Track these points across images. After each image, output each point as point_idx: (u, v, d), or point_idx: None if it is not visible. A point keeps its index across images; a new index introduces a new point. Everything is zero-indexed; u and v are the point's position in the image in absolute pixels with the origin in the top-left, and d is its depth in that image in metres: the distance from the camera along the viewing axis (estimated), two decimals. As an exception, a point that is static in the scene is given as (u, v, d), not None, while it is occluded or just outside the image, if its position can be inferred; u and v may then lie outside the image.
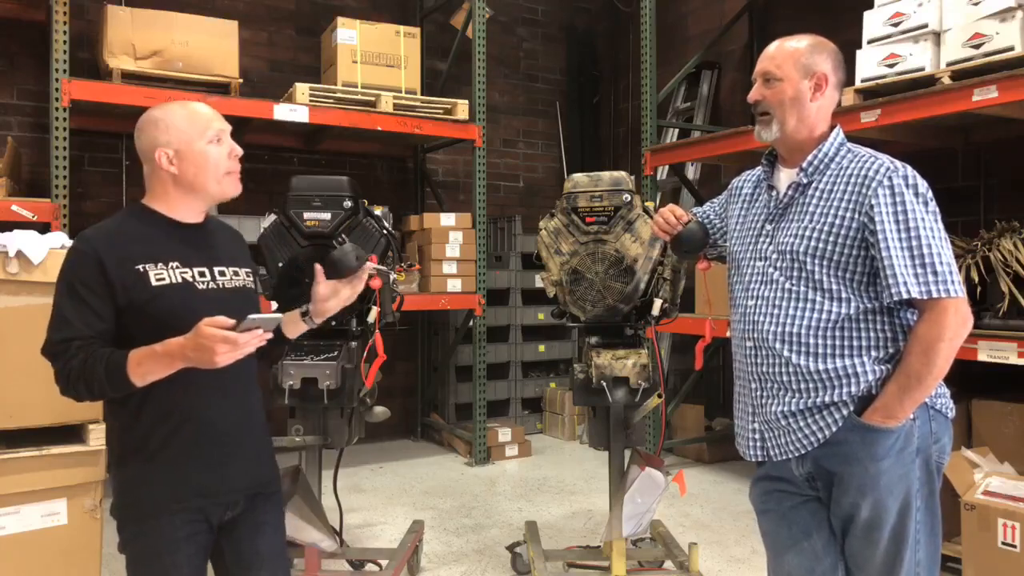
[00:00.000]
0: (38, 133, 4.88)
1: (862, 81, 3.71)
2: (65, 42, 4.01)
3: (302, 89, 4.66)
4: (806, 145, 1.92)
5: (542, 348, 6.36)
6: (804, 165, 1.91)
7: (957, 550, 3.01)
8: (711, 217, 2.31)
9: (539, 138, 7.03)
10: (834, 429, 1.82)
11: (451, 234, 5.30)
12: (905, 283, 1.73)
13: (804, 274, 1.86)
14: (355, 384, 2.97)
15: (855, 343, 1.82)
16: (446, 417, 6.01)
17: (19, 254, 2.61)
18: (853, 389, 1.81)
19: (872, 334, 1.82)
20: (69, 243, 2.04)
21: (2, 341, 2.57)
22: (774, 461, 1.92)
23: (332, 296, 1.99)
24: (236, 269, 1.92)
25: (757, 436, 1.95)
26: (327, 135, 5.42)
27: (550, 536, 3.81)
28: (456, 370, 5.99)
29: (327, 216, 3.02)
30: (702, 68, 5.98)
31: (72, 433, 2.74)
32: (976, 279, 3.32)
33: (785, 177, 1.97)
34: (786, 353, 1.86)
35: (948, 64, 3.40)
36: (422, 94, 5.32)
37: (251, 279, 1.97)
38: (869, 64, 3.69)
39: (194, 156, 1.80)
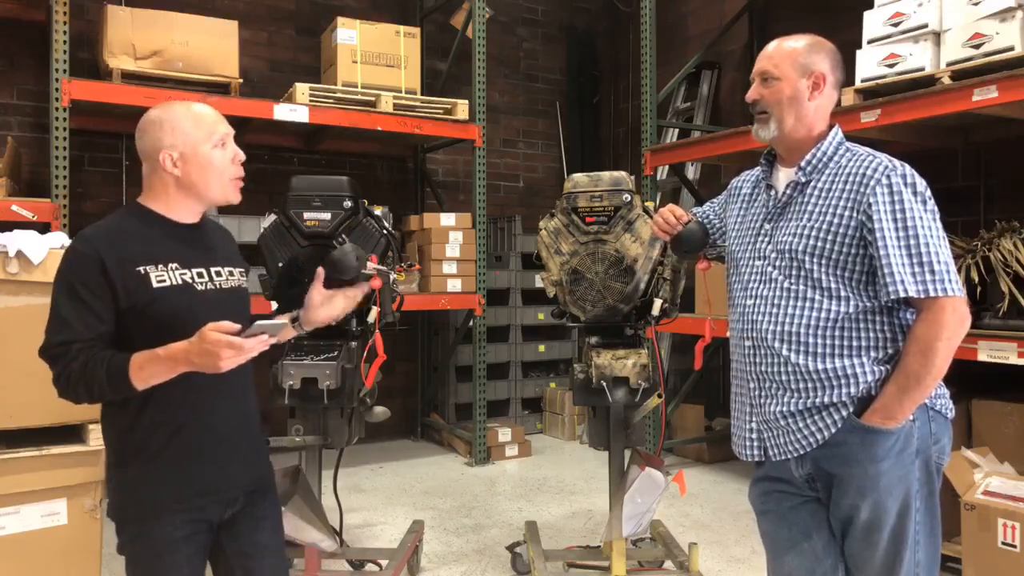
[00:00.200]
0: (38, 133, 4.88)
1: (862, 81, 3.71)
2: (65, 42, 4.01)
3: (302, 89, 4.66)
4: (804, 144, 1.92)
5: (542, 348, 6.36)
6: (802, 164, 1.91)
7: (957, 550, 3.01)
8: (711, 217, 2.32)
9: (539, 138, 7.03)
10: (833, 430, 1.82)
11: (451, 234, 5.30)
12: (902, 281, 1.73)
13: (803, 273, 1.86)
14: (355, 384, 2.97)
15: (854, 343, 1.82)
16: (446, 417, 6.01)
17: (19, 254, 2.61)
18: (852, 390, 1.81)
19: (871, 334, 1.82)
20: (69, 243, 2.04)
21: (2, 341, 2.57)
22: (773, 462, 1.92)
23: (325, 304, 2.00)
24: (231, 269, 1.93)
25: (754, 436, 1.95)
26: (327, 135, 5.42)
27: (550, 536, 3.82)
28: (456, 370, 5.99)
29: (327, 216, 3.02)
30: (702, 68, 5.98)
31: (72, 433, 2.74)
32: (976, 279, 3.32)
33: (784, 176, 1.97)
34: (785, 352, 1.85)
35: (948, 64, 3.40)
36: (422, 94, 5.32)
37: (244, 279, 1.98)
38: (869, 64, 3.69)
39: (199, 160, 1.80)
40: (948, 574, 3.19)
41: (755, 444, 1.96)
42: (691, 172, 5.86)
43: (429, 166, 6.40)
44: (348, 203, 3.02)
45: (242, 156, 1.89)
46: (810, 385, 1.84)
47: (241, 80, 4.78)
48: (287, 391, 2.89)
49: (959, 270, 3.30)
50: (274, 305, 3.04)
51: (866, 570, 1.85)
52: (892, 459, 1.78)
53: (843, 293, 1.82)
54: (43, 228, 3.51)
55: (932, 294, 1.72)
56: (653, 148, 5.13)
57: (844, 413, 1.81)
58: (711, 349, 5.31)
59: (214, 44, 4.66)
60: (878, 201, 1.77)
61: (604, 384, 2.96)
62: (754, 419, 1.95)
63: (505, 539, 3.79)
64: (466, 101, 5.21)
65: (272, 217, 3.10)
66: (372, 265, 2.39)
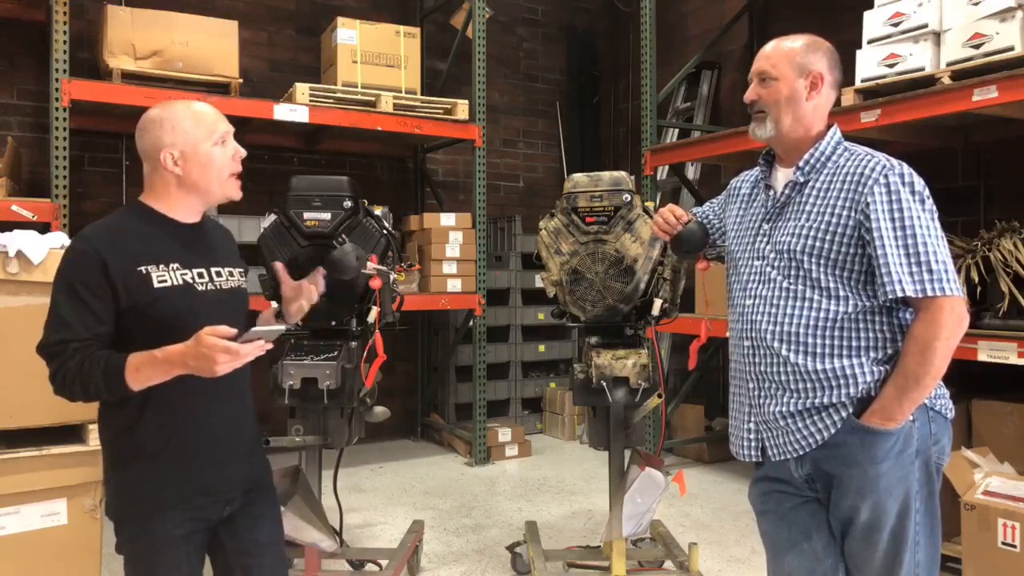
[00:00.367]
0: (38, 133, 4.88)
1: (862, 81, 3.71)
2: (65, 42, 4.01)
3: (302, 89, 4.66)
4: (802, 144, 1.92)
5: (542, 348, 6.36)
6: (801, 164, 1.91)
7: (957, 550, 3.01)
8: (710, 217, 2.32)
9: (539, 138, 7.03)
10: (833, 431, 1.81)
11: (451, 234, 5.30)
12: (900, 281, 1.73)
13: (802, 273, 1.86)
14: (355, 384, 2.97)
15: (853, 343, 1.82)
16: (446, 417, 6.01)
17: (19, 254, 2.61)
18: (852, 391, 1.80)
19: (870, 334, 1.82)
20: (69, 243, 2.05)
21: (2, 341, 2.57)
22: (772, 462, 1.92)
23: (297, 298, 2.02)
24: (231, 269, 1.94)
25: (753, 436, 1.95)
26: (327, 135, 5.42)
27: (550, 536, 3.82)
28: (456, 370, 5.99)
29: (327, 216, 3.01)
30: (702, 68, 5.98)
31: (72, 433, 2.75)
32: (976, 279, 3.32)
33: (782, 176, 1.97)
34: (784, 352, 1.85)
35: (948, 64, 3.40)
36: (422, 94, 5.32)
37: (244, 279, 1.99)
38: (869, 64, 3.69)
39: (199, 158, 1.80)
40: (948, 574, 3.19)
41: (753, 444, 1.95)
42: (691, 172, 5.86)
43: (429, 166, 6.40)
44: (348, 203, 3.02)
45: (243, 153, 1.89)
46: (809, 385, 1.84)
47: (241, 80, 4.78)
48: (287, 391, 2.89)
49: (959, 270, 3.30)
50: (274, 305, 3.04)
51: (866, 570, 1.85)
52: (892, 460, 1.78)
53: (842, 293, 1.82)
54: (43, 228, 3.51)
55: (930, 293, 1.72)
56: (653, 148, 5.13)
57: (843, 414, 1.81)
58: (711, 349, 5.31)
59: (214, 44, 4.66)
60: (876, 200, 1.77)
61: (604, 384, 2.96)
62: (753, 419, 1.95)
63: (505, 539, 3.79)
64: (466, 101, 5.21)
65: (272, 217, 3.10)
66: (372, 265, 2.40)
